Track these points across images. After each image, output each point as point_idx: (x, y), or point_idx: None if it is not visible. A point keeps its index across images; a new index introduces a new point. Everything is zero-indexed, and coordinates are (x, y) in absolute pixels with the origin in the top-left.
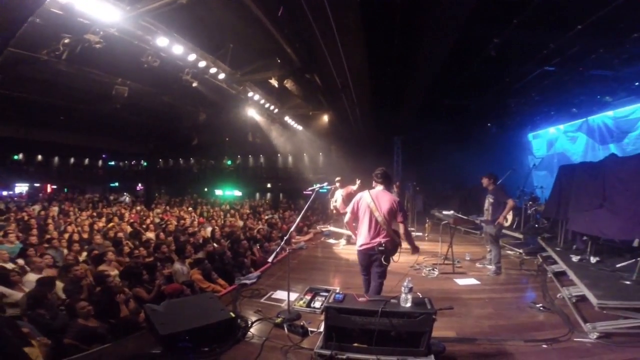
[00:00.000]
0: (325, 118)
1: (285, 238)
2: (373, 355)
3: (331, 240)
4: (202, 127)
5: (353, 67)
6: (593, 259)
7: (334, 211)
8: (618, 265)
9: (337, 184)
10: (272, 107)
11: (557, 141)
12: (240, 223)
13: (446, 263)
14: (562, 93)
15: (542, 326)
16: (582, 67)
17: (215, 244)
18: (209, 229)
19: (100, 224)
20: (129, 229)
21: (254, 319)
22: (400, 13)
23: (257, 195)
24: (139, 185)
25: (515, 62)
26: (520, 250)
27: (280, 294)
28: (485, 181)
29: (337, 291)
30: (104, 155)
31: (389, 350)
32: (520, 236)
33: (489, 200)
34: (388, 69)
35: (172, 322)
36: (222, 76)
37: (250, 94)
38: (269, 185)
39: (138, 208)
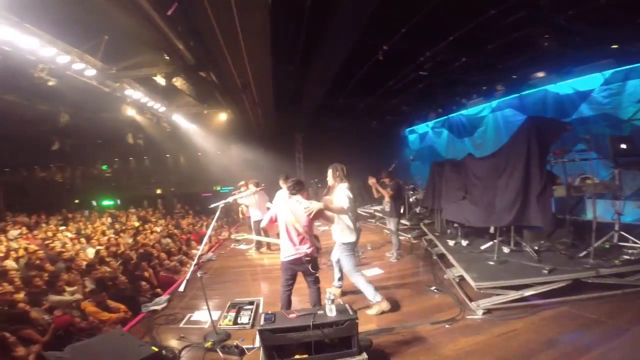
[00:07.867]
0: (223, 116)
1: (197, 256)
2: None
3: (242, 247)
4: (66, 129)
5: (255, 68)
6: (464, 242)
7: (241, 215)
8: (482, 247)
9: (243, 188)
10: (156, 106)
11: (427, 135)
12: (128, 239)
13: None
14: (431, 94)
15: (440, 307)
16: (447, 72)
17: (106, 267)
18: (90, 250)
19: None
20: None
21: (180, 347)
22: (307, 16)
23: (145, 203)
24: None
25: (398, 66)
26: (409, 236)
27: (200, 315)
28: (387, 180)
29: (260, 302)
30: None
31: (327, 357)
32: (408, 223)
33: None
34: (290, 68)
35: None
36: (91, 72)
37: (128, 92)
38: (159, 191)
39: None
